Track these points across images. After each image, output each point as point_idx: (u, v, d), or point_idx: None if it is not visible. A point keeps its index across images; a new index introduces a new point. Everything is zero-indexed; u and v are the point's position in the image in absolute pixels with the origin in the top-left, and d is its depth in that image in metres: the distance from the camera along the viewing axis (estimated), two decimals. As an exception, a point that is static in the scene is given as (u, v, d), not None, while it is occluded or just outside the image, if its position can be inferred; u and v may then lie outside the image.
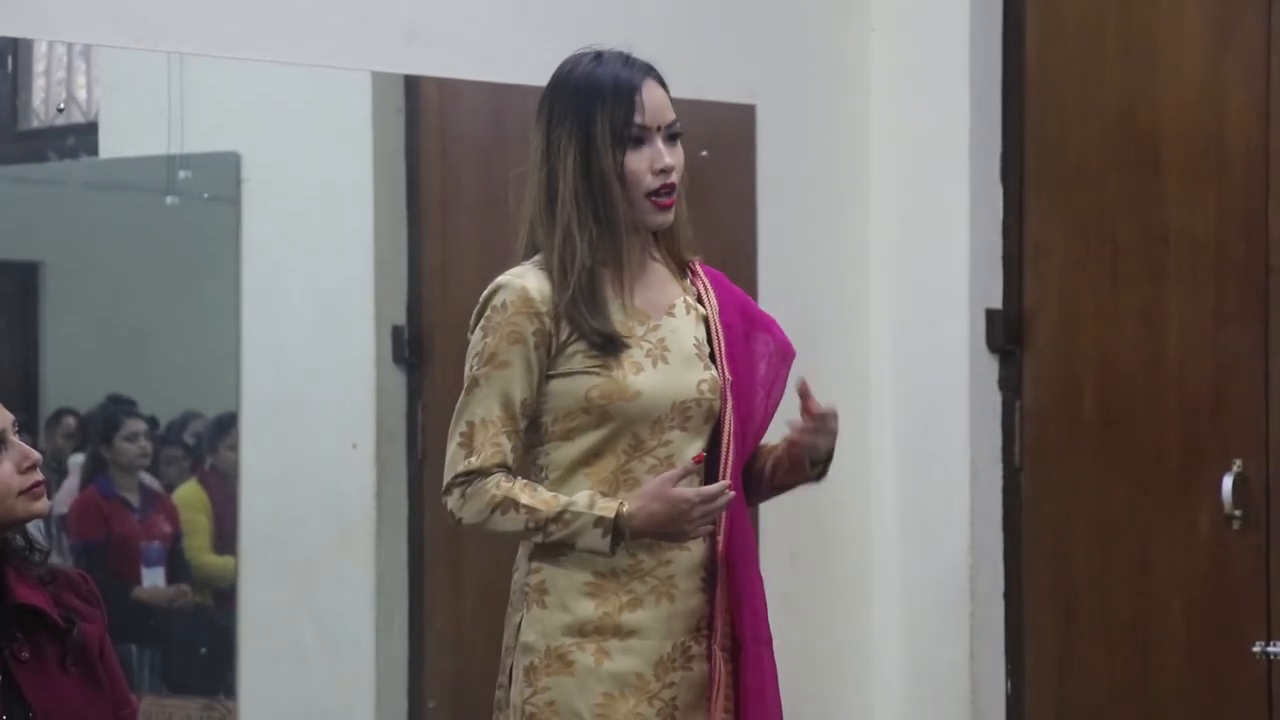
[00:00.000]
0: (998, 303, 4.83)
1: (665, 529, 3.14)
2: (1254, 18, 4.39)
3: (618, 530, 3.12)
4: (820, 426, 3.25)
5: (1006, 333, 4.82)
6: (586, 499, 3.14)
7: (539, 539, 3.15)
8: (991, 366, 4.84)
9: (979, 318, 4.83)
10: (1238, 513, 4.38)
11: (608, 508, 3.13)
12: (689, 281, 3.32)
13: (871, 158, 5.01)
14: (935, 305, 4.89)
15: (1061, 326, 4.76)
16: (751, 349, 3.30)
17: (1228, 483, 4.39)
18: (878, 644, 5.00)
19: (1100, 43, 4.68)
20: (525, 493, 3.15)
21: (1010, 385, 4.83)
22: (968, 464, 4.82)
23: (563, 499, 3.14)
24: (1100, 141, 4.68)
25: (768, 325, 3.34)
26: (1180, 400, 4.52)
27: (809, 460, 3.30)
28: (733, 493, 3.15)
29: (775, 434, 3.36)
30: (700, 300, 3.30)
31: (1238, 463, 4.39)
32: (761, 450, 3.35)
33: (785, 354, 3.34)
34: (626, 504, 3.13)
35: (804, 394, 3.23)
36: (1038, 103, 4.81)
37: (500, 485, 3.15)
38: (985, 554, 4.82)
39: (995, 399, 4.84)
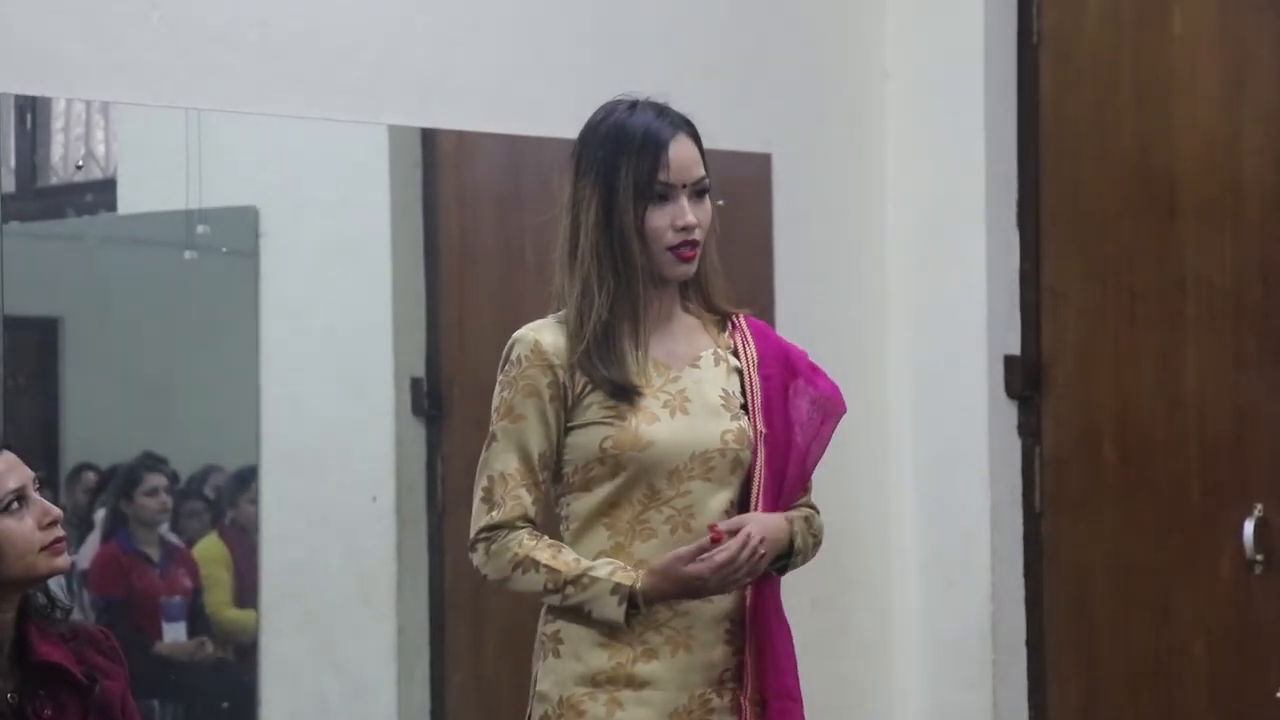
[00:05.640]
0: (1016, 349, 4.83)
1: (681, 601, 3.13)
2: (1269, 61, 4.40)
3: (633, 600, 3.10)
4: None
5: (1025, 379, 4.81)
6: (608, 567, 3.12)
7: (556, 601, 3.14)
8: (1010, 413, 4.84)
9: (997, 364, 4.83)
10: (1259, 557, 4.37)
11: (627, 577, 3.11)
12: (728, 335, 3.30)
13: (887, 205, 5.02)
14: (953, 352, 4.89)
15: (1080, 372, 4.76)
16: (791, 400, 3.26)
17: (1249, 527, 4.38)
18: (899, 691, 4.99)
19: (1115, 88, 4.69)
20: (547, 552, 3.14)
21: (1029, 431, 4.83)
22: (988, 510, 4.82)
23: (584, 563, 3.13)
24: (1116, 187, 4.68)
25: (811, 377, 3.28)
26: (1200, 444, 4.51)
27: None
28: (763, 549, 3.10)
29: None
30: (736, 353, 3.28)
31: (1259, 507, 4.38)
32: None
33: (830, 406, 3.27)
34: (641, 580, 3.10)
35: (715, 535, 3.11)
36: (1053, 149, 4.81)
37: (523, 543, 3.14)
38: (1006, 600, 4.82)
39: (1014, 445, 4.84)
